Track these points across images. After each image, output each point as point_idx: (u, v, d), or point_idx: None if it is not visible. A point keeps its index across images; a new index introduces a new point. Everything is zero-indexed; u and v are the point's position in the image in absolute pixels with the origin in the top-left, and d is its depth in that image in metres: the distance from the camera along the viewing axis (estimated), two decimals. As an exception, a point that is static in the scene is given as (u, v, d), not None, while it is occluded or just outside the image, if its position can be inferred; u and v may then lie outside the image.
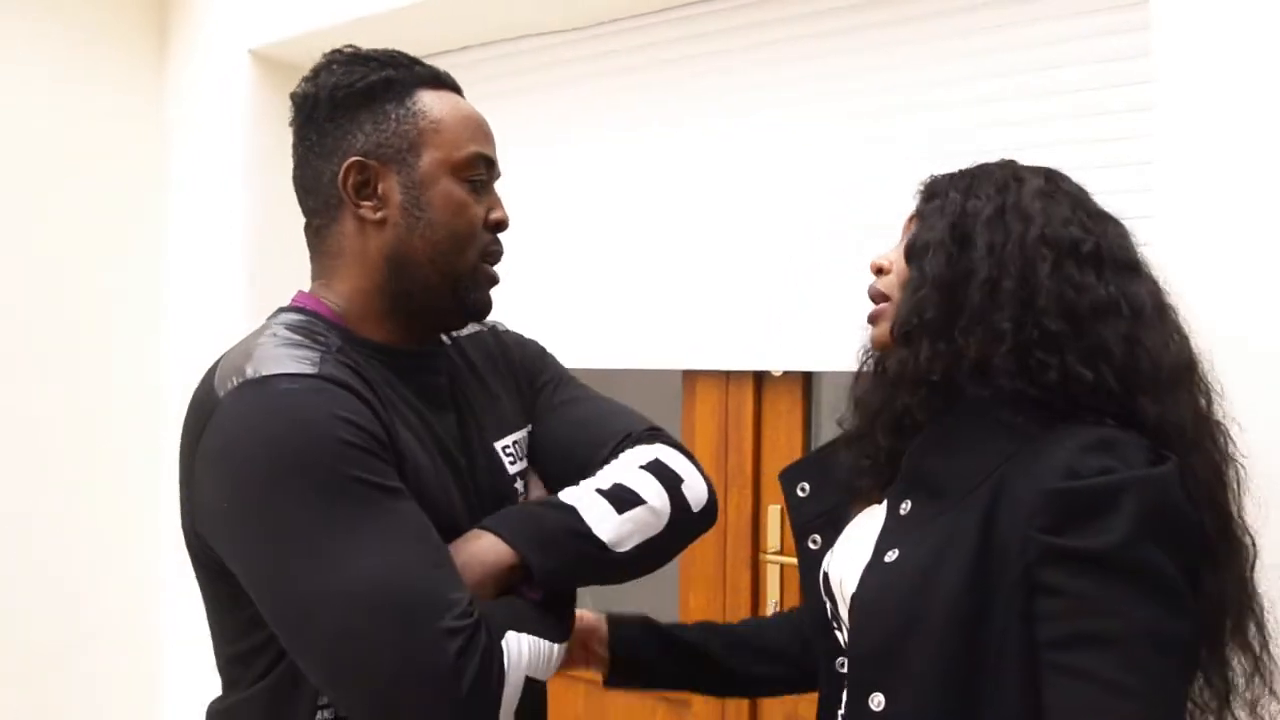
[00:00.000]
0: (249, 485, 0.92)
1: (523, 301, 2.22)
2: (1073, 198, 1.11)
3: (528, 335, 1.34)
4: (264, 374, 0.94)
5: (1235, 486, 1.08)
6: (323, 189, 1.08)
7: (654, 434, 1.21)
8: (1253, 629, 1.06)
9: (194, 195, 2.66)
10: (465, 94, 1.15)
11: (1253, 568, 1.07)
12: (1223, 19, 1.43)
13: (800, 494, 1.31)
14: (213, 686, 1.09)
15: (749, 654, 1.40)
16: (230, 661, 1.05)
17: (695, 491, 1.14)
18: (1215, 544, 1.02)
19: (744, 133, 2.02)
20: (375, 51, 1.10)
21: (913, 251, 1.13)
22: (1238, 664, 1.07)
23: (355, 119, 1.07)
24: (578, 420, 1.24)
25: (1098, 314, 1.04)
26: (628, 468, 1.12)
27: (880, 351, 1.19)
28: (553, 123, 2.29)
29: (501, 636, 0.94)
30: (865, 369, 1.25)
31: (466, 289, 1.10)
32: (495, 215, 1.11)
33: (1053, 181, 1.12)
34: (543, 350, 1.32)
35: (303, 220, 1.13)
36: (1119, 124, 1.62)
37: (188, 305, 2.67)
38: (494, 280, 1.14)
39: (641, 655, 1.35)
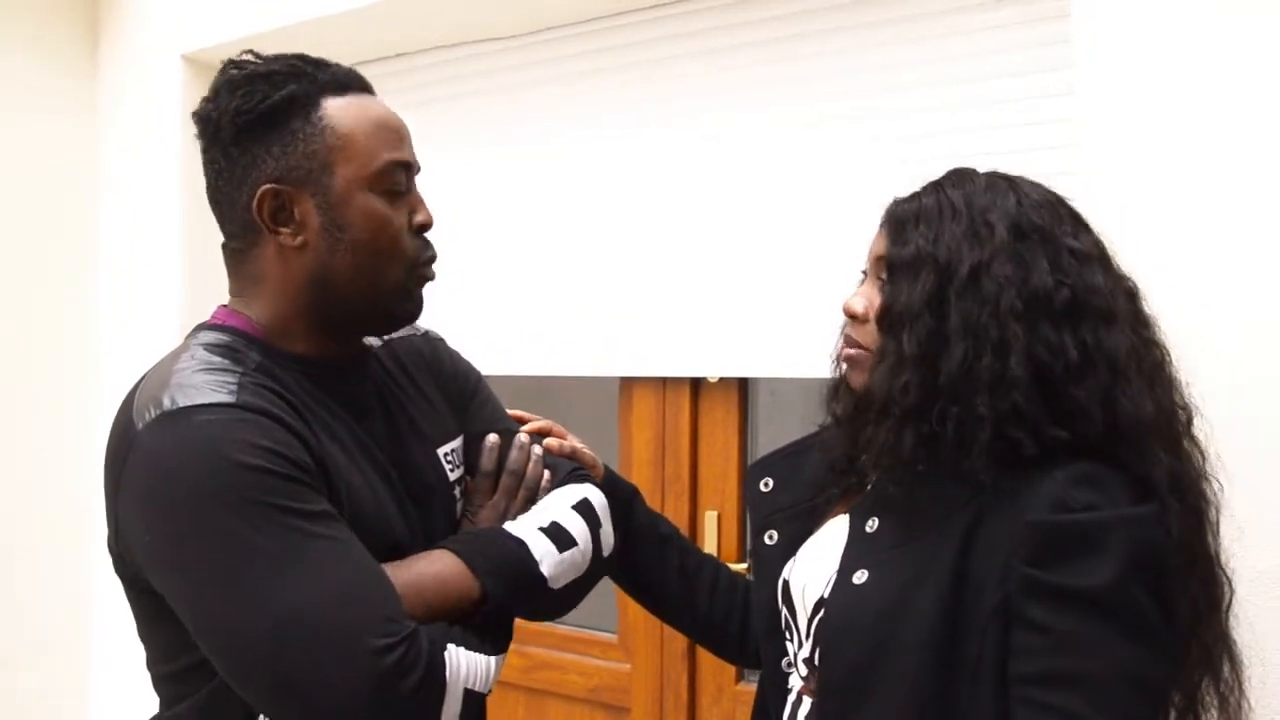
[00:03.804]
0: (172, 521, 0.92)
1: (461, 308, 2.22)
2: (1044, 232, 1.03)
3: (469, 340, 1.32)
4: (181, 405, 0.93)
5: (1215, 524, 1.06)
6: (238, 215, 1.04)
7: (579, 474, 1.22)
8: (1227, 668, 1.05)
9: (127, 201, 2.62)
10: (390, 103, 1.11)
11: (1229, 608, 1.06)
12: (1140, 31, 1.49)
13: (763, 489, 1.29)
14: (141, 702, 1.08)
15: (704, 592, 1.36)
16: (165, 680, 1.04)
17: (608, 537, 1.16)
18: (1193, 585, 1.00)
19: (677, 141, 2.04)
20: (276, 61, 1.05)
21: (888, 319, 1.06)
22: (1209, 700, 1.05)
23: (262, 142, 1.02)
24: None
25: (1074, 376, 0.99)
26: (561, 507, 1.13)
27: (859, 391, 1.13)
28: (493, 128, 2.29)
29: (443, 649, 0.94)
30: (843, 389, 1.20)
31: (395, 301, 1.08)
32: (419, 218, 1.08)
33: (1023, 211, 1.04)
34: (480, 375, 1.31)
35: None
36: (1045, 133, 1.67)
37: (121, 310, 2.63)
38: (426, 281, 1.11)
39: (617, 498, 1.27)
